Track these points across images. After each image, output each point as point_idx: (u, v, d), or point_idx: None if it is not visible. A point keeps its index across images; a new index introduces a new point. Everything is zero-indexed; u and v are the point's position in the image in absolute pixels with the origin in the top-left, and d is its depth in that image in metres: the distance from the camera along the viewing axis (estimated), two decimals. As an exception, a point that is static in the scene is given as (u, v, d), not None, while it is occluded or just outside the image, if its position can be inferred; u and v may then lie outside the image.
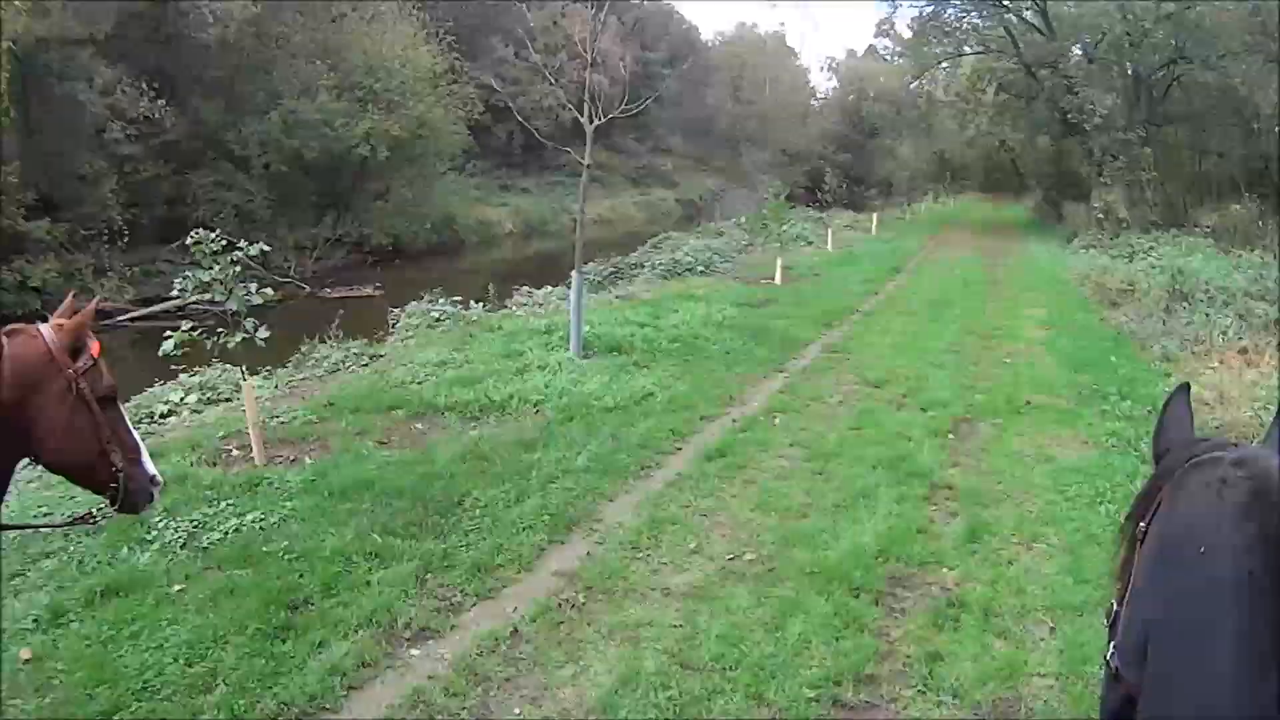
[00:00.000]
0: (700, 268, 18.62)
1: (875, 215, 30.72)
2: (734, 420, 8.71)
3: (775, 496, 6.76)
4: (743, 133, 60.74)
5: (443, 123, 32.57)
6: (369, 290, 23.90)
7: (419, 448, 7.52)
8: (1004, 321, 14.04)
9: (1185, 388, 1.68)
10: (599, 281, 18.93)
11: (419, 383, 9.59)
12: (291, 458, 7.28)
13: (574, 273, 11.10)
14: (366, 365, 10.86)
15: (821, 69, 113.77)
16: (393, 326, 13.41)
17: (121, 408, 2.82)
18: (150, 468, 2.83)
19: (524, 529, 5.97)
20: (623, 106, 11.95)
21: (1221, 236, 21.80)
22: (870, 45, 59.92)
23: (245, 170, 26.42)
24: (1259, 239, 20.60)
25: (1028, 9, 32.93)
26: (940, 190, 49.11)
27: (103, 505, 2.81)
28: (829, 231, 24.12)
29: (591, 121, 11.25)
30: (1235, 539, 1.21)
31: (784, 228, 18.28)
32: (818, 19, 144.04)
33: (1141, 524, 1.44)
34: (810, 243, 24.77)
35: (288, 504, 6.14)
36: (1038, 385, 10.04)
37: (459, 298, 14.56)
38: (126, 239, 21.73)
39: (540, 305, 16.57)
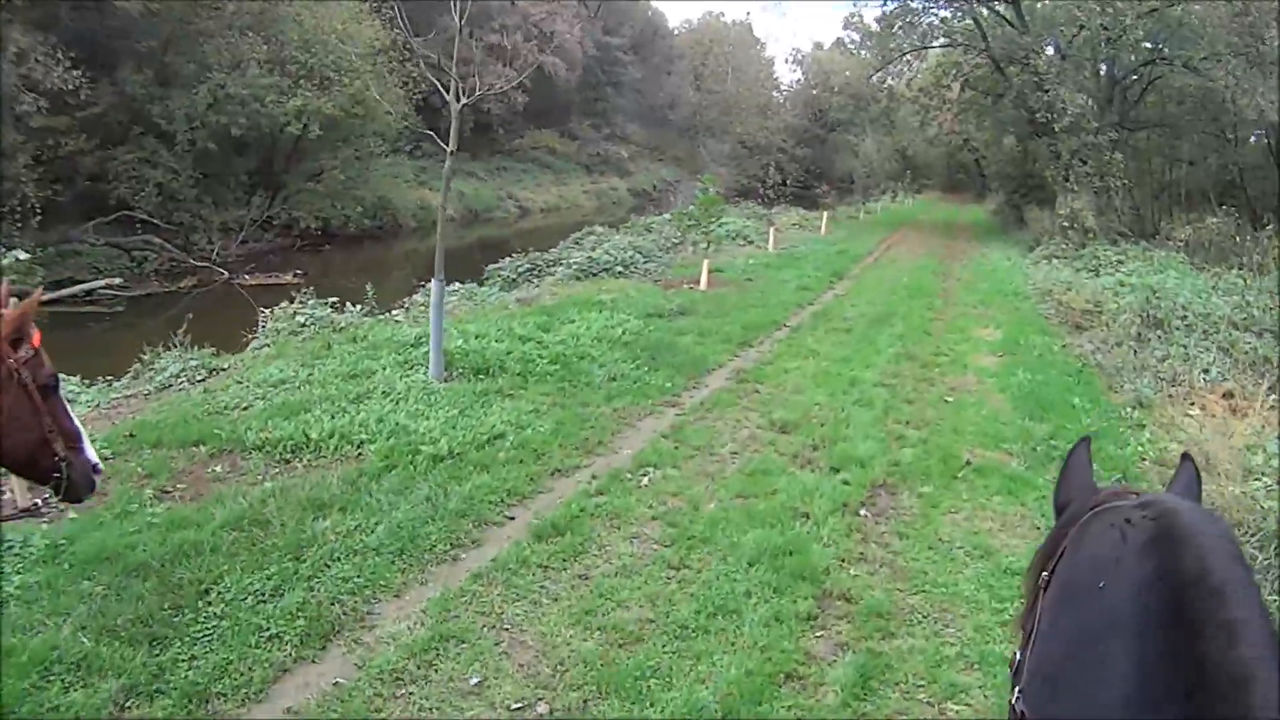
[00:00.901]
0: (619, 268, 16.54)
1: (825, 214, 28.60)
2: (593, 477, 6.84)
3: (608, 604, 4.94)
4: (702, 123, 58.87)
5: (379, 102, 30.52)
6: (289, 278, 22.54)
7: (202, 501, 5.98)
8: (951, 345, 12.07)
9: (1086, 440, 1.69)
10: (512, 279, 17.09)
11: (244, 408, 7.95)
12: (63, 506, 5.74)
13: (433, 281, 9.12)
14: (202, 381, 9.22)
15: (787, 61, 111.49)
16: (262, 328, 11.76)
17: (62, 395, 2.81)
18: (92, 455, 2.83)
19: (270, 638, 4.46)
20: (491, 86, 9.83)
21: (1196, 251, 20.10)
22: (838, 38, 58.15)
23: (170, 147, 24.73)
24: (1235, 255, 18.92)
25: (999, 2, 31.17)
26: (900, 188, 47.24)
27: (47, 495, 2.82)
28: (771, 231, 21.99)
29: (458, 100, 9.21)
30: (1135, 575, 1.18)
31: (715, 226, 16.20)
32: (785, 8, 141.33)
33: (1044, 573, 1.42)
34: (750, 241, 22.70)
35: (16, 578, 4.84)
36: (983, 435, 8.09)
37: (335, 299, 12.83)
38: (40, 217, 19.88)
39: (437, 305, 14.67)
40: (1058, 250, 22.53)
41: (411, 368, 9.20)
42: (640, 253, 17.70)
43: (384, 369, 9.05)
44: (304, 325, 11.63)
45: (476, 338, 10.43)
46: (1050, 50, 29.61)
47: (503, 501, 6.25)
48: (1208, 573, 1.12)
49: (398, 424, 7.43)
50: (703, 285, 15.13)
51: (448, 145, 9.39)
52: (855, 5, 63.75)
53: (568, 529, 5.79)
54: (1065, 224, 23.54)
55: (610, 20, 63.89)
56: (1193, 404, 9.51)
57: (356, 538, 5.46)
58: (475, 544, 5.62)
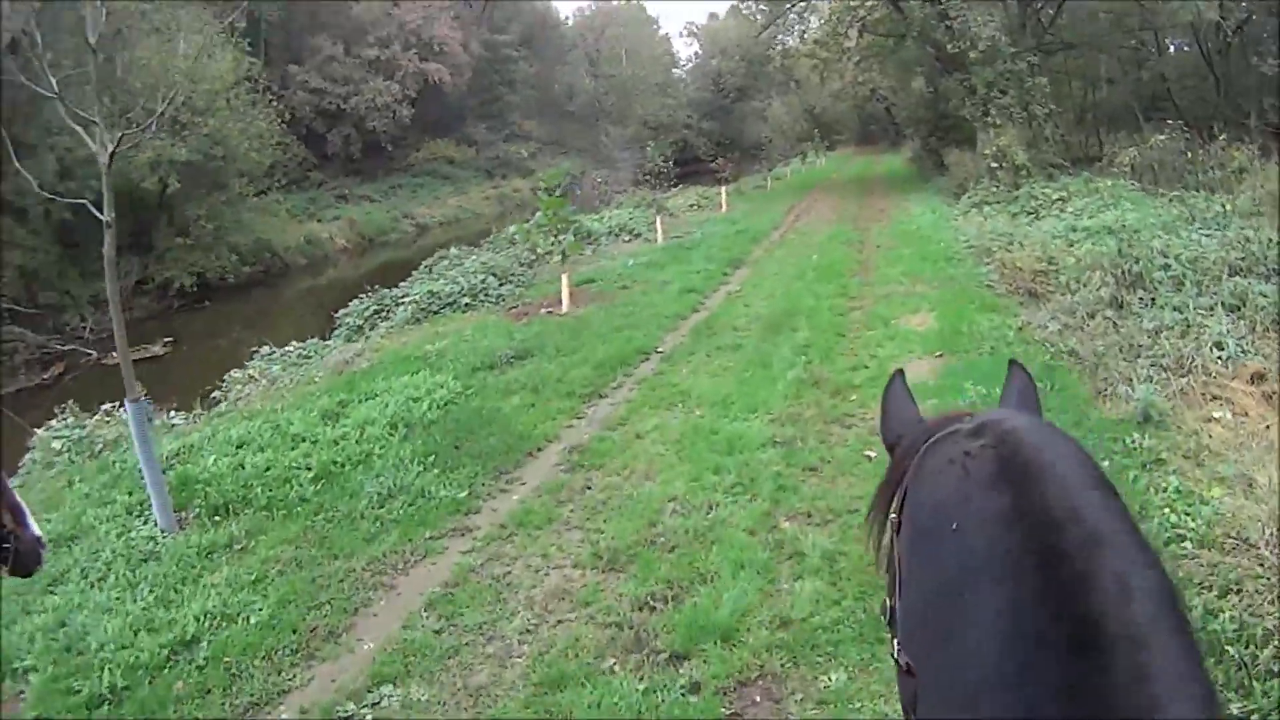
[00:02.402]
0: (466, 299, 13.32)
1: (724, 190, 25.56)
2: (302, 713, 4.02)
3: None
4: (602, 109, 55.77)
5: (239, 139, 28.35)
6: (158, 349, 20.04)
7: None
8: (873, 349, 9.05)
9: (899, 372, 1.56)
10: (358, 325, 13.98)
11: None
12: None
13: (127, 404, 6.15)
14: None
15: (681, 35, 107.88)
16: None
17: (2, 471, 2.67)
18: (35, 529, 2.71)
19: None
20: (149, 123, 6.90)
21: (1143, 174, 17.44)
22: (732, 5, 55.41)
23: (25, 223, 22.29)
24: (1190, 174, 16.32)
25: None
26: (811, 149, 44.43)
27: None
28: (659, 220, 18.84)
29: (106, 148, 6.20)
30: (988, 514, 1.05)
31: (568, 235, 13.02)
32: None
33: (893, 514, 1.30)
34: (638, 235, 19.55)
35: None
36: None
37: (108, 404, 9.80)
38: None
39: (257, 379, 11.63)
40: (988, 195, 19.72)
41: (140, 514, 6.29)
42: (495, 274, 14.49)
43: (102, 521, 6.25)
44: (59, 453, 8.65)
45: (238, 448, 7.46)
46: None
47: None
48: (1078, 512, 0.99)
49: (72, 634, 4.85)
50: (564, 306, 12.07)
51: (103, 215, 6.26)
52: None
53: None
54: (993, 163, 20.70)
55: (498, 17, 60.58)
56: (1214, 399, 6.68)
57: None
58: None
